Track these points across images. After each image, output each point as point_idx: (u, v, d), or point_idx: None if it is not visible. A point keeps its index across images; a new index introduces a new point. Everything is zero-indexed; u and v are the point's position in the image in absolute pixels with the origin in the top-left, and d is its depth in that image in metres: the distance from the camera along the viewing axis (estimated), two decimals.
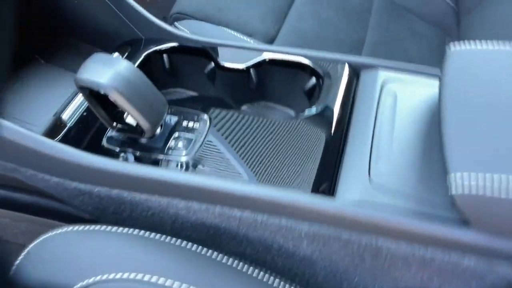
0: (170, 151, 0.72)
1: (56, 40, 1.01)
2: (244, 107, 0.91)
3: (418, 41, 1.22)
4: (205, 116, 0.76)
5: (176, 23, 1.03)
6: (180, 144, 0.73)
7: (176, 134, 0.74)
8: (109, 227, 0.69)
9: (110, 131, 0.76)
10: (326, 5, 1.17)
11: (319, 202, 0.63)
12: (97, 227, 0.69)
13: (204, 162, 0.71)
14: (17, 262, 0.68)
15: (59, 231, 0.69)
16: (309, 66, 0.83)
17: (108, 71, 0.64)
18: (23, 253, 0.69)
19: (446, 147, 0.57)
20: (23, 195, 0.86)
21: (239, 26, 1.05)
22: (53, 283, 0.63)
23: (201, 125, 0.75)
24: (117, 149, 0.74)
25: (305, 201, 0.63)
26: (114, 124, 0.72)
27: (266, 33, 1.06)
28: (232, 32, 1.02)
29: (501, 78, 0.63)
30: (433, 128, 0.69)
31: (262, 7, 1.09)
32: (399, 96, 0.76)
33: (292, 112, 0.89)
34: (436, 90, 0.67)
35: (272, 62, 0.85)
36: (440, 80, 0.66)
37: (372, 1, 1.26)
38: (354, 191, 0.64)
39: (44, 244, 0.68)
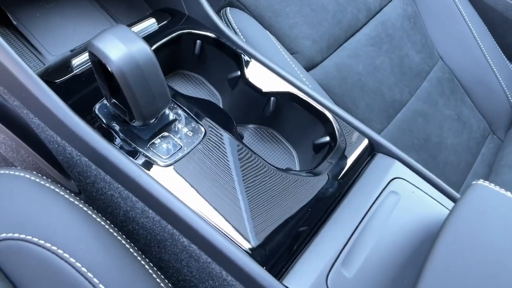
0: (152, 148, 0.68)
1: None
2: (251, 126, 0.86)
3: (460, 127, 1.16)
4: (202, 129, 0.72)
5: (228, 9, 0.97)
6: (165, 145, 0.69)
7: (165, 134, 0.70)
8: (60, 190, 0.66)
9: (105, 100, 0.73)
10: (385, 52, 1.10)
11: (264, 279, 0.59)
12: (48, 184, 0.66)
13: (180, 172, 0.67)
14: None
15: (11, 172, 0.66)
16: (330, 122, 0.78)
17: (122, 49, 0.60)
18: None
19: None
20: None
21: (287, 38, 0.99)
22: None
23: (194, 136, 0.71)
24: (104, 121, 0.70)
25: (253, 272, 0.59)
26: (111, 99, 0.69)
27: (311, 57, 1.00)
28: (276, 43, 0.96)
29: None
30: (418, 256, 0.65)
31: (320, 29, 1.03)
32: (403, 201, 0.71)
33: (294, 153, 0.85)
34: (443, 216, 0.63)
35: (295, 98, 0.81)
36: (451, 211, 0.62)
37: (433, 68, 1.19)
38: None
39: None
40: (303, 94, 0.81)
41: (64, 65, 0.78)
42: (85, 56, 0.77)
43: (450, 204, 0.75)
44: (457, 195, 0.77)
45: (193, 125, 0.72)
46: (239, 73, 0.83)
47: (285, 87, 0.81)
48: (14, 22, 0.87)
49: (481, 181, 0.64)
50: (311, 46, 1.00)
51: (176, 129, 0.71)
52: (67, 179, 0.86)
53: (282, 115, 0.83)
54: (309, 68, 1.00)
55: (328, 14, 1.05)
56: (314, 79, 0.98)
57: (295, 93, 0.80)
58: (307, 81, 0.94)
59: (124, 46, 0.61)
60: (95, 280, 0.56)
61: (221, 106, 0.88)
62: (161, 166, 0.67)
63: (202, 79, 0.90)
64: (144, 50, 0.62)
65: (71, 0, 0.94)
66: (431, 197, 0.74)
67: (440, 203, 0.74)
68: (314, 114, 0.80)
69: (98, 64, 0.64)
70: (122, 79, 0.61)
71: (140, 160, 0.67)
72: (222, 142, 0.71)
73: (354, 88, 1.04)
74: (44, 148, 0.78)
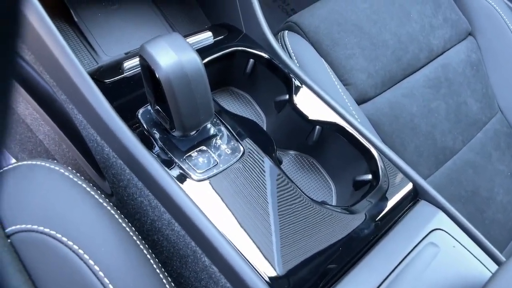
0: (188, 160, 0.67)
1: None
2: (291, 152, 0.84)
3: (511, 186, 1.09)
4: (241, 148, 0.70)
5: (286, 32, 0.96)
6: (201, 160, 0.67)
7: (204, 148, 0.69)
8: (91, 190, 0.65)
9: (149, 105, 0.72)
10: (443, 96, 1.06)
11: None
12: (80, 182, 0.65)
13: (213, 189, 0.65)
14: None
15: (47, 164, 0.66)
16: (374, 160, 0.75)
17: (172, 57, 0.60)
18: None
19: None
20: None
21: (342, 69, 0.96)
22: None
23: (232, 154, 0.69)
24: (145, 127, 0.70)
25: None
26: (155, 105, 0.68)
27: (364, 91, 0.97)
28: (330, 72, 0.94)
29: None
30: None
31: (377, 64, 1.00)
32: (442, 255, 0.66)
33: (332, 186, 0.81)
34: (484, 278, 0.58)
35: (342, 130, 0.78)
36: (494, 274, 0.57)
37: (491, 119, 1.13)
38: None
39: (26, 170, 0.66)
40: (350, 127, 0.78)
41: (116, 66, 0.78)
42: (137, 60, 0.78)
43: (492, 265, 0.70)
44: (501, 256, 0.71)
45: (232, 143, 0.70)
46: (287, 97, 0.81)
47: (332, 117, 0.78)
48: (75, 19, 0.88)
49: None
50: (366, 80, 0.97)
51: (216, 144, 0.69)
52: (102, 179, 0.86)
53: (325, 145, 0.80)
54: (360, 101, 0.97)
55: (388, 50, 1.02)
56: (364, 114, 0.95)
57: (342, 125, 0.78)
58: (357, 115, 0.91)
59: (175, 54, 0.60)
60: (110, 286, 0.55)
61: (264, 127, 0.86)
62: (194, 180, 0.65)
63: (249, 98, 0.89)
64: (194, 60, 0.61)
65: (135, 5, 0.95)
66: (472, 254, 0.69)
67: (482, 263, 0.69)
68: (359, 149, 0.77)
69: (147, 68, 0.64)
70: (168, 87, 0.60)
71: (174, 171, 0.65)
72: (260, 165, 0.69)
73: (405, 128, 1.00)
74: (84, 145, 0.79)
